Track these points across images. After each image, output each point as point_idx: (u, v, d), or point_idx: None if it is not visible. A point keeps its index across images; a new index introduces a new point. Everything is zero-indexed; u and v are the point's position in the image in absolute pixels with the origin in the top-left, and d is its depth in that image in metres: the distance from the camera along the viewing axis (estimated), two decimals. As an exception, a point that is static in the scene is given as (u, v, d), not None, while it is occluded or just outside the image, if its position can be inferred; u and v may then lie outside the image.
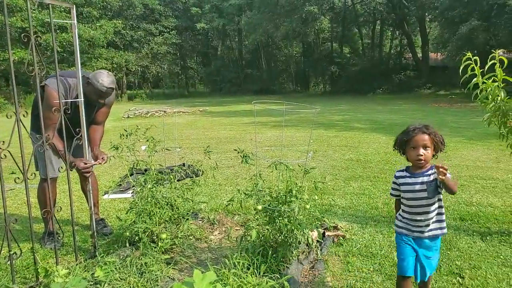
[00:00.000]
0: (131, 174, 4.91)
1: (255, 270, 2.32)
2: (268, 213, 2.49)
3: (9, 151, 2.14)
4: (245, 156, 2.52)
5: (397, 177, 2.06)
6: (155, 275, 2.35)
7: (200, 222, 3.35)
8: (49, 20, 20.39)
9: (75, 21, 2.61)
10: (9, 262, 2.21)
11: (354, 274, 2.49)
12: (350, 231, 3.16)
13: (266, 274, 2.32)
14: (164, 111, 15.32)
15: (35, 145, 2.56)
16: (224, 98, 27.89)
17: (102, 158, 2.94)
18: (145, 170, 4.20)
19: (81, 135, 2.61)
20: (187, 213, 2.96)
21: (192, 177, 3.37)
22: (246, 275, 2.24)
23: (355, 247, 2.87)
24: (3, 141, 2.12)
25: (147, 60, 31.02)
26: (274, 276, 2.30)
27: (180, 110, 16.43)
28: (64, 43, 20.90)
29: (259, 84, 32.40)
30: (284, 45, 35.42)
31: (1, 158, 2.12)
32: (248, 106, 19.25)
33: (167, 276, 2.38)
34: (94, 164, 2.88)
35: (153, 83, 36.48)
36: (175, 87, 38.35)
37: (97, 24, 25.43)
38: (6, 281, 2.40)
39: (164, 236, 2.58)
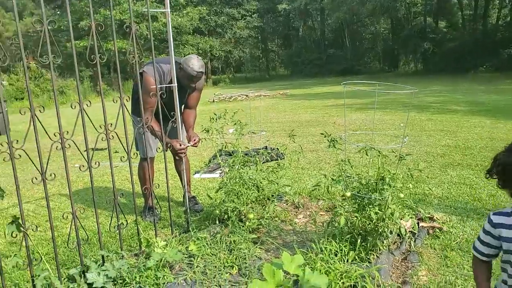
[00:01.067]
0: (219, 155, 5.16)
1: (343, 257, 2.30)
2: (357, 200, 2.44)
3: (116, 132, 2.39)
4: (333, 141, 2.49)
5: (495, 225, 1.30)
6: (243, 253, 2.46)
7: (284, 204, 3.41)
8: (142, 11, 21.93)
9: (169, 10, 2.78)
10: (117, 231, 2.49)
11: (454, 270, 2.30)
12: (448, 224, 2.92)
13: (354, 262, 2.29)
14: (246, 95, 15.67)
15: (135, 127, 2.82)
16: (306, 80, 27.58)
17: (194, 140, 3.13)
18: (232, 152, 4.39)
19: (175, 118, 2.81)
20: (272, 195, 3.04)
21: (277, 159, 3.44)
22: (334, 261, 2.24)
23: (454, 241, 2.64)
24: (111, 123, 2.36)
25: (230, 45, 31.77)
26: (363, 264, 2.26)
27: (261, 93, 16.66)
28: (154, 32, 22.27)
29: (343, 64, 31.30)
30: (370, 22, 33.65)
31: (109, 138, 2.38)
32: (331, 88, 18.79)
33: (254, 255, 2.48)
34: (188, 146, 3.08)
35: (235, 68, 37.34)
36: (256, 71, 38.80)
37: (184, 12, 26.61)
38: (115, 247, 2.71)
39: (251, 216, 2.69)
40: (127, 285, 2.18)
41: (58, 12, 26.59)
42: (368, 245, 2.39)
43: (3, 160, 1.95)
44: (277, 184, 3.05)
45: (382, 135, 6.56)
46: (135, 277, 2.20)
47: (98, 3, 22.42)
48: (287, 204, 3.43)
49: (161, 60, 3.18)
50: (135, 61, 2.51)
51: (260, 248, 2.59)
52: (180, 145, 2.96)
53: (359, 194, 2.41)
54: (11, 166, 1.99)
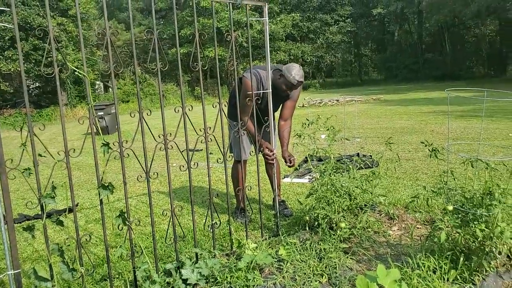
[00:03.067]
0: (306, 161, 5.10)
1: (443, 275, 2.11)
2: (460, 215, 2.22)
3: (213, 136, 2.49)
4: (434, 150, 2.30)
5: None
6: (334, 262, 2.39)
7: (377, 215, 3.24)
8: (238, 19, 22.83)
9: (267, 18, 2.83)
10: (211, 230, 2.59)
11: None
12: None
13: (455, 282, 2.09)
14: (337, 100, 15.36)
15: (231, 131, 2.92)
16: (400, 85, 26.18)
17: (290, 161, 3.21)
18: (323, 158, 4.32)
19: (268, 123, 2.85)
20: (365, 205, 2.91)
21: (371, 167, 3.28)
22: (432, 279, 2.07)
23: None
24: (210, 127, 2.47)
25: (322, 50, 31.52)
26: (466, 286, 2.05)
27: (352, 98, 16.19)
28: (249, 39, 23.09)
29: (441, 69, 29.11)
30: (474, 24, 30.78)
31: (208, 141, 2.49)
32: (428, 94, 17.56)
33: (345, 265, 2.39)
34: (274, 154, 3.12)
35: (326, 73, 36.87)
36: (348, 76, 37.89)
37: (277, 19, 27.11)
38: (208, 246, 2.83)
39: (343, 225, 2.60)
40: (219, 284, 2.24)
41: (162, 22, 28.96)
42: (472, 265, 2.16)
43: (114, 158, 2.16)
44: (371, 193, 2.91)
45: (488, 146, 5.91)
46: (226, 277, 2.26)
47: (197, 12, 23.92)
48: (380, 215, 3.25)
49: (259, 67, 3.29)
50: (234, 68, 2.59)
51: (351, 258, 2.49)
52: (270, 151, 3.02)
53: (462, 209, 2.19)
54: (116, 163, 2.19)
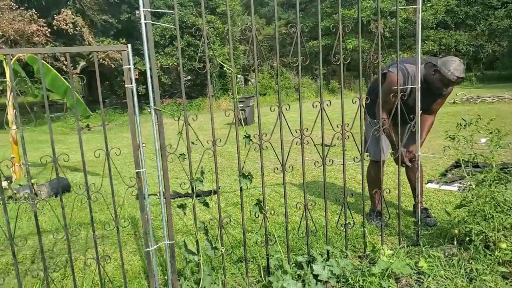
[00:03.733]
0: (457, 166, 4.54)
1: None
2: None
3: (351, 133, 2.39)
4: None
5: None
6: (488, 286, 2.06)
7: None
8: (382, 7, 21.58)
9: (420, 5, 2.56)
10: (343, 230, 2.50)
11: None
12: None
13: None
14: (500, 97, 13.27)
15: (370, 129, 2.76)
16: None
17: (410, 161, 2.92)
18: (477, 165, 3.77)
19: (414, 122, 2.60)
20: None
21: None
22: None
23: None
24: (347, 124, 2.38)
25: (482, 39, 27.49)
26: None
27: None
28: (392, 28, 21.66)
29: None
30: None
31: (345, 138, 2.40)
32: None
33: (502, 292, 2.05)
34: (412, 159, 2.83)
35: (485, 64, 32.18)
36: (516, 68, 32.39)
37: (428, 5, 24.76)
38: (339, 245, 2.75)
39: (504, 245, 2.22)
40: (350, 285, 2.16)
41: (301, 15, 29.24)
42: None
43: (254, 150, 2.24)
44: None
45: None
46: (359, 280, 2.16)
47: (336, 2, 23.47)
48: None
49: (406, 60, 3.00)
50: (379, 60, 2.43)
51: (511, 285, 2.12)
52: (410, 152, 2.75)
53: None
54: (253, 152, 2.27)
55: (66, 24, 15.62)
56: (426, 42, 25.39)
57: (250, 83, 26.37)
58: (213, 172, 2.28)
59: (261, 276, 2.37)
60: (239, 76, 24.33)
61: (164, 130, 2.09)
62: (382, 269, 2.17)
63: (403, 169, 3.31)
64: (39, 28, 15.06)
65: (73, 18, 15.94)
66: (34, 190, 4.67)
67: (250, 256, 2.70)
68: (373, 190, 3.23)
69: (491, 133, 2.46)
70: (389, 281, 2.14)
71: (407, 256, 2.45)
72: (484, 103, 12.87)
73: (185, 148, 2.11)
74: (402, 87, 2.69)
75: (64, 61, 14.35)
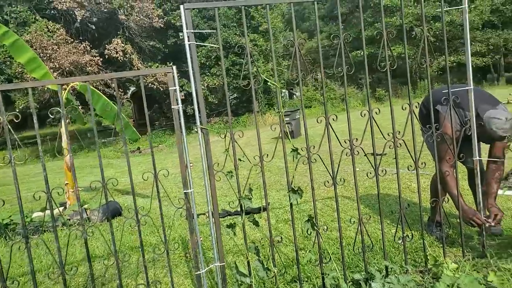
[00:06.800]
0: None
1: None
2: None
3: (403, 140, 2.30)
4: None
5: None
6: None
7: None
8: (425, 12, 20.89)
9: (466, 6, 2.45)
10: (401, 243, 2.39)
11: None
12: None
13: None
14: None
15: (424, 135, 2.65)
16: None
17: (495, 216, 2.62)
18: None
19: (470, 126, 2.47)
20: None
21: None
22: None
23: None
24: (399, 131, 2.29)
25: (533, 35, 25.84)
26: None
27: None
28: (437, 32, 20.92)
29: None
30: None
31: (397, 146, 2.31)
32: None
33: None
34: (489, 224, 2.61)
35: (539, 61, 30.07)
36: None
37: (472, 6, 23.69)
38: (398, 259, 2.62)
39: None
40: (413, 303, 2.05)
41: (342, 26, 29.00)
42: None
43: (302, 163, 2.21)
44: None
45: None
46: (422, 297, 2.04)
47: (378, 12, 23.09)
48: None
49: (458, 90, 2.63)
50: (427, 65, 2.34)
51: None
52: (478, 220, 2.56)
53: None
54: (301, 165, 2.23)
55: (117, 52, 16.60)
56: (473, 43, 24.24)
57: (295, 96, 26.42)
58: (262, 188, 2.27)
59: (317, 296, 2.30)
60: (283, 90, 24.46)
61: (211, 148, 2.12)
62: (447, 285, 2.04)
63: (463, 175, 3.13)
64: (92, 58, 16.11)
65: (123, 46, 16.89)
66: (87, 215, 4.85)
67: (304, 276, 2.62)
68: (432, 199, 3.06)
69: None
70: (455, 297, 2.00)
71: (474, 270, 2.28)
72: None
73: (232, 166, 2.13)
74: (456, 129, 2.59)
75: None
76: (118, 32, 18.36)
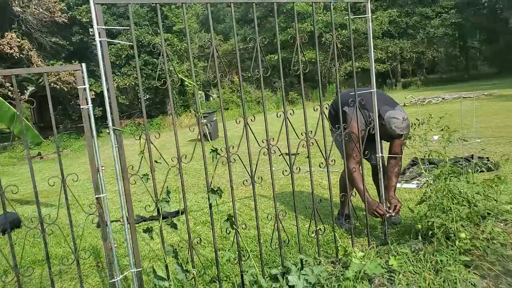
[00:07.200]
0: (414, 164, 4.74)
1: None
2: None
3: (315, 140, 2.44)
4: None
5: None
6: (453, 276, 2.15)
7: (502, 225, 2.86)
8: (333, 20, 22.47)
9: (370, 15, 2.70)
10: (315, 236, 2.53)
11: None
12: None
13: None
14: (443, 98, 14.13)
15: (333, 134, 2.84)
16: (518, 78, 23.13)
17: (395, 208, 2.92)
18: (431, 161, 3.96)
19: (373, 125, 2.71)
20: (488, 213, 2.58)
21: (493, 170, 2.92)
22: None
23: None
24: (311, 131, 2.43)
25: (422, 46, 29.32)
26: None
27: (460, 95, 14.72)
28: (343, 39, 22.55)
29: None
30: None
31: (309, 145, 2.44)
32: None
33: (468, 281, 2.14)
34: (390, 214, 2.91)
35: (428, 69, 34.22)
36: (452, 71, 34.69)
37: (373, 16, 26.01)
38: (312, 252, 2.78)
39: (463, 235, 2.34)
40: (326, 292, 2.18)
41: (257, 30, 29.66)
42: None
43: (221, 163, 2.23)
44: (495, 200, 2.57)
45: None
46: (334, 285, 2.18)
47: (291, 17, 24.16)
48: (506, 225, 2.86)
49: (363, 93, 2.88)
50: (336, 69, 2.51)
51: (474, 273, 2.22)
52: (381, 211, 2.82)
53: None
54: (221, 167, 2.25)
55: (11, 48, 14.92)
56: (375, 51, 26.51)
57: (211, 98, 26.36)
58: (179, 192, 2.24)
59: (236, 294, 2.33)
60: (200, 92, 24.31)
61: (124, 151, 2.03)
62: (356, 272, 2.20)
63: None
64: (-21, 53, 14.30)
65: (19, 41, 15.27)
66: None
67: (224, 275, 2.64)
68: (341, 194, 3.29)
69: (442, 130, 2.60)
70: (363, 283, 2.18)
71: (378, 256, 2.50)
72: (430, 104, 13.66)
73: (147, 169, 2.06)
74: (362, 129, 2.82)
75: (10, 87, 13.62)
76: (13, 26, 16.56)
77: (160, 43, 2.05)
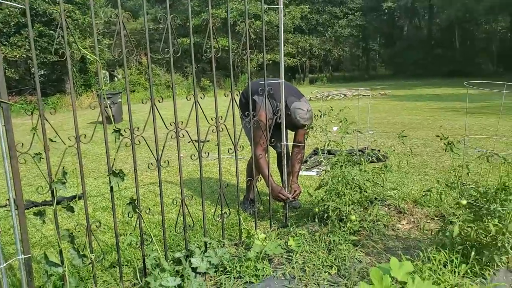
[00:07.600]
0: (315, 154, 5.07)
1: (454, 269, 2.10)
2: (473, 210, 2.20)
3: (225, 125, 2.47)
4: (450, 144, 2.26)
5: None
6: (343, 254, 2.37)
7: (387, 208, 3.22)
8: (247, 9, 22.69)
9: (282, 5, 2.78)
10: (220, 220, 2.57)
11: None
12: None
13: (466, 276, 2.08)
14: (345, 94, 15.27)
15: (243, 121, 2.90)
16: (408, 81, 25.96)
17: (295, 192, 3.09)
18: (330, 151, 4.28)
19: (280, 115, 2.82)
20: (376, 198, 2.88)
21: (383, 161, 3.25)
22: (443, 273, 2.06)
23: None
24: (221, 116, 2.44)
25: (330, 44, 31.21)
26: (476, 280, 2.04)
27: (360, 93, 16.08)
28: (257, 30, 22.92)
29: (450, 65, 28.85)
30: (485, 20, 30.36)
31: (219, 131, 2.46)
32: (436, 90, 17.45)
33: (355, 258, 2.38)
34: (288, 199, 3.04)
35: (333, 67, 36.62)
36: (355, 70, 37.64)
37: (286, 10, 26.87)
38: (217, 235, 2.82)
39: (353, 217, 2.58)
40: (228, 273, 2.24)
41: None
42: (483, 260, 2.15)
43: (125, 145, 2.14)
44: (382, 187, 2.88)
45: (502, 141, 5.85)
46: (236, 266, 2.26)
47: (205, 2, 23.80)
48: (389, 209, 3.23)
49: (272, 82, 2.99)
50: (247, 56, 2.56)
51: (361, 251, 2.47)
52: (284, 196, 2.97)
53: (476, 204, 2.17)
54: (122, 153, 2.17)
55: None
56: (286, 45, 27.56)
57: (116, 79, 24.78)
58: (77, 175, 2.09)
59: (137, 279, 2.26)
60: (103, 71, 22.69)
61: (12, 127, 1.83)
62: (257, 253, 2.31)
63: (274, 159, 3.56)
64: None
65: None
66: None
67: (124, 260, 2.56)
68: (247, 179, 3.39)
69: (340, 122, 2.83)
70: (263, 262, 2.29)
71: (278, 238, 2.65)
72: (333, 99, 14.69)
73: (41, 149, 1.88)
74: (270, 118, 2.90)
75: None
76: None
77: (59, 12, 1.87)
